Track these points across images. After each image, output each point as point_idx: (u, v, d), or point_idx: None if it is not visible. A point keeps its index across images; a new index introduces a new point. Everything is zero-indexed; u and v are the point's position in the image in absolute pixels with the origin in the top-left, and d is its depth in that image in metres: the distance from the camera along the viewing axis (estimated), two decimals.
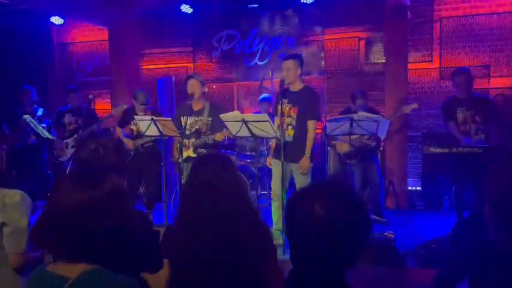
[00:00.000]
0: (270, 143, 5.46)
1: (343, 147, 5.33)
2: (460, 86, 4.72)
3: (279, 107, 4.34)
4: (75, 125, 5.96)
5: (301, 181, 4.33)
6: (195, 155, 4.66)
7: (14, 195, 1.96)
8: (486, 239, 1.61)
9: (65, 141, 5.95)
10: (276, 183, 4.43)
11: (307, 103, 4.30)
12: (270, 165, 4.60)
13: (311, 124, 4.28)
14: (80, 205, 1.26)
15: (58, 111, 6.16)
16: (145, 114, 5.41)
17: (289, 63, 4.27)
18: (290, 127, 4.33)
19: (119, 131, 5.68)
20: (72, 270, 1.26)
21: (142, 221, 1.90)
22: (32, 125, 5.72)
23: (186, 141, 4.68)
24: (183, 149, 4.64)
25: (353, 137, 5.02)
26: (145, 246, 1.73)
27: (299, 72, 4.32)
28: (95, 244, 1.27)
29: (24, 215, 1.95)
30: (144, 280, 1.77)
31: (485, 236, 1.62)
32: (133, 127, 5.45)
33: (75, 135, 5.87)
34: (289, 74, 4.26)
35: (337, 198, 1.19)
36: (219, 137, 4.46)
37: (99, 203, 1.27)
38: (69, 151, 5.92)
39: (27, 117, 5.72)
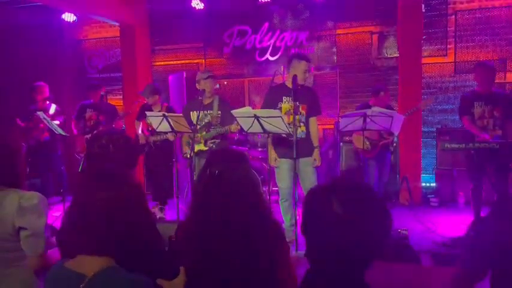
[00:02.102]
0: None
1: (361, 143, 5.25)
2: (480, 80, 4.62)
3: (285, 105, 4.33)
4: (96, 121, 5.97)
5: (311, 176, 4.31)
6: (206, 148, 4.68)
7: (31, 198, 1.93)
8: (507, 236, 1.56)
9: (85, 136, 5.94)
10: (286, 181, 4.38)
11: (313, 100, 4.41)
12: (275, 164, 4.46)
13: (315, 119, 4.43)
14: (103, 204, 1.29)
15: (80, 105, 6.21)
16: (160, 108, 5.43)
17: (308, 65, 4.34)
18: (302, 124, 4.32)
19: (137, 125, 5.69)
20: (89, 268, 1.28)
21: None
22: (45, 121, 5.74)
23: (197, 135, 4.69)
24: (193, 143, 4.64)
25: (367, 133, 4.97)
26: (162, 251, 1.72)
27: None
28: (115, 241, 1.30)
29: (42, 217, 1.92)
30: (158, 285, 1.75)
31: (507, 233, 1.57)
32: (148, 121, 5.46)
33: (95, 131, 5.85)
34: (306, 75, 4.34)
35: (356, 196, 1.15)
36: (234, 127, 4.44)
37: (120, 202, 1.30)
38: None
39: (40, 113, 5.75)
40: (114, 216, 1.29)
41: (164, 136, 5.09)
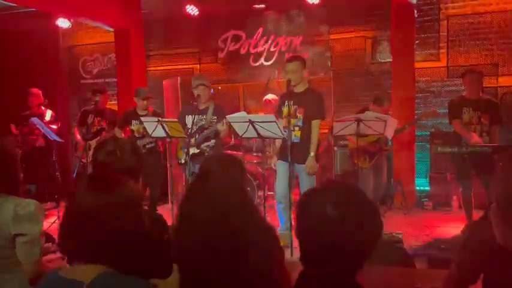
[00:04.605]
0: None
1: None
2: (469, 86, 4.65)
3: (285, 109, 4.37)
4: (99, 127, 5.84)
5: (307, 182, 4.32)
6: (198, 151, 4.68)
7: (28, 206, 1.93)
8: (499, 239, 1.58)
9: (88, 142, 5.78)
10: (281, 184, 4.41)
11: (313, 103, 4.35)
12: (274, 167, 4.62)
13: (316, 124, 4.34)
14: (94, 208, 1.29)
15: (83, 111, 6.12)
16: (147, 112, 5.37)
17: (294, 65, 4.32)
18: (297, 128, 4.33)
19: (118, 134, 5.49)
20: (85, 274, 1.28)
21: (157, 224, 1.88)
22: (40, 127, 5.72)
23: (191, 139, 4.70)
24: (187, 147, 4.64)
25: (369, 139, 4.97)
26: (156, 251, 1.72)
27: (304, 73, 4.41)
28: (107, 247, 1.30)
29: (38, 224, 1.92)
30: (154, 286, 1.75)
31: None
32: (134, 127, 5.40)
33: (99, 138, 5.69)
34: (295, 76, 4.32)
35: (348, 199, 1.18)
36: (220, 126, 4.46)
37: (113, 207, 1.30)
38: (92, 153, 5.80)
39: (35, 119, 5.73)
40: (108, 223, 1.29)
41: (152, 138, 5.05)
